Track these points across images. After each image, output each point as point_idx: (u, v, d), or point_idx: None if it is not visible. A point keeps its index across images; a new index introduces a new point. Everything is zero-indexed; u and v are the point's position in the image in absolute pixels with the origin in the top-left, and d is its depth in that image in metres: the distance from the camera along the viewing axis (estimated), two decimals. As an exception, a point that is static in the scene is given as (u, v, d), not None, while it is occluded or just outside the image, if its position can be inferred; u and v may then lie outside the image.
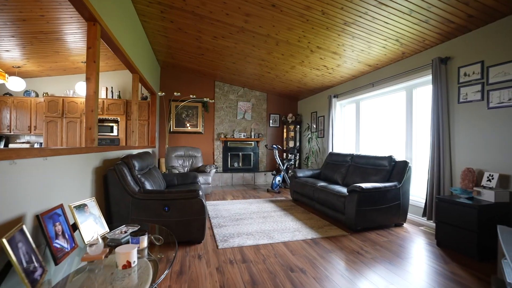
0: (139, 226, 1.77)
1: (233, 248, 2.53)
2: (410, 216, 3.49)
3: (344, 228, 3.15)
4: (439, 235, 2.58)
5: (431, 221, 3.09)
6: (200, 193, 2.54)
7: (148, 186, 2.63)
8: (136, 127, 4.05)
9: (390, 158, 3.42)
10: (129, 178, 2.43)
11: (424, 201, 3.28)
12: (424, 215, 3.16)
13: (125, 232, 1.67)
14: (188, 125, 6.48)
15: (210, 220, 3.40)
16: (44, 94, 5.42)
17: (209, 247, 2.54)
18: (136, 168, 2.60)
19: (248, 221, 3.38)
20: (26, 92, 5.45)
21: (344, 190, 3.38)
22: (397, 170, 3.31)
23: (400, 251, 2.48)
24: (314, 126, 6.34)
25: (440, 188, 2.96)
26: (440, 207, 2.57)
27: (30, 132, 5.35)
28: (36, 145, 5.50)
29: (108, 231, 1.69)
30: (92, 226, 1.58)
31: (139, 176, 2.59)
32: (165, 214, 2.43)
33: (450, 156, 2.97)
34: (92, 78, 2.31)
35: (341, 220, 3.21)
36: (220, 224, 3.24)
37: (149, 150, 5.17)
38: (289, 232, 2.96)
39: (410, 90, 3.76)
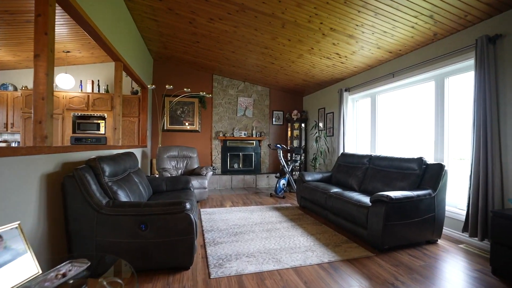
0: (88, 264, 1.21)
1: (230, 277, 1.96)
2: (444, 230, 2.91)
3: (367, 246, 2.57)
4: (496, 260, 2.00)
5: (476, 238, 2.51)
6: (187, 206, 1.98)
7: (122, 196, 2.07)
8: (119, 123, 3.49)
9: (420, 160, 2.83)
10: (93, 187, 1.86)
11: (464, 212, 2.71)
12: (465, 230, 2.58)
13: (63, 275, 1.11)
14: (186, 123, 5.92)
15: (203, 235, 2.83)
16: (23, 88, 4.87)
17: (199, 276, 1.97)
18: (107, 173, 2.04)
19: (249, 235, 2.81)
20: (3, 86, 4.91)
21: (365, 199, 2.80)
22: (429, 174, 2.73)
23: (447, 283, 1.90)
24: (321, 124, 5.76)
25: (489, 197, 2.38)
26: (497, 224, 1.99)
27: (7, 130, 4.80)
28: (13, 144, 4.96)
29: (40, 272, 1.14)
30: (7, 270, 1.02)
31: (110, 183, 2.03)
32: (142, 233, 1.87)
33: (500, 158, 2.39)
34: (42, 56, 1.75)
35: (362, 235, 2.64)
36: (215, 240, 2.68)
37: (139, 150, 4.61)
38: (300, 253, 2.39)
39: (441, 80, 3.18)
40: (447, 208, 2.88)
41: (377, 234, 2.42)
